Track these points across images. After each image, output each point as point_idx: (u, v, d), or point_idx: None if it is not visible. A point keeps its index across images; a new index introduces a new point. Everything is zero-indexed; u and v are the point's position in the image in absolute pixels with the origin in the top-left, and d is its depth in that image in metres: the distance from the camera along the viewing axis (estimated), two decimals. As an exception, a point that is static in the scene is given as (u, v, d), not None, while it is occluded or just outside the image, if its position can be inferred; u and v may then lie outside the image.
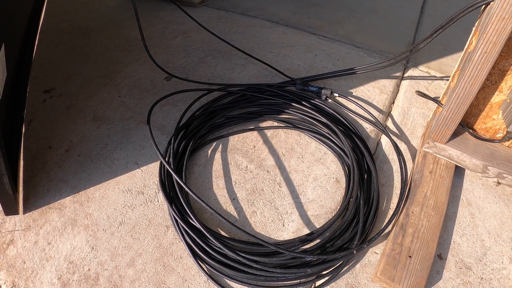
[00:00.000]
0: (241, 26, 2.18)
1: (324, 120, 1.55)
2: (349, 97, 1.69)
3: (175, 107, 1.69)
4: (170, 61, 1.97)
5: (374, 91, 1.76)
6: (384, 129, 1.56)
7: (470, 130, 1.55)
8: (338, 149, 1.51)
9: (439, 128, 1.44)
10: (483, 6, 1.25)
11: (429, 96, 1.61)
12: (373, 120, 1.61)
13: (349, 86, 1.78)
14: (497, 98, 1.46)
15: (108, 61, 1.96)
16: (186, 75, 1.87)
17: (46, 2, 1.50)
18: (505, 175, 1.48)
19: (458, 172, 1.52)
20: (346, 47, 2.01)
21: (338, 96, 1.70)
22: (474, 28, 1.34)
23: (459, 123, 1.48)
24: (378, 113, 1.68)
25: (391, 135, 1.61)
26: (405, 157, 1.51)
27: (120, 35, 2.17)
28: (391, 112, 1.72)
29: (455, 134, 1.54)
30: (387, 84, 1.80)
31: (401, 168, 1.44)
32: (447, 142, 1.49)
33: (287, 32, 2.09)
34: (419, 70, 1.94)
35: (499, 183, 1.54)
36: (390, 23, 2.28)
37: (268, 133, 1.60)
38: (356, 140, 1.52)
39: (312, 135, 1.58)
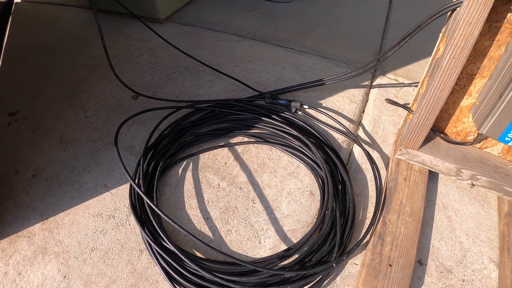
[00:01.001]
0: (208, 41, 2.14)
1: (294, 133, 1.52)
2: (319, 109, 1.67)
3: (143, 126, 1.63)
4: (136, 79, 1.90)
5: (344, 101, 1.74)
6: (356, 139, 1.54)
7: (442, 135, 1.55)
8: (311, 162, 1.48)
9: (411, 134, 1.42)
10: (449, 12, 1.25)
11: (399, 104, 1.60)
12: (344, 130, 1.59)
13: (319, 97, 1.76)
14: (467, 101, 1.46)
15: (74, 81, 1.89)
16: (154, 93, 1.81)
17: (10, 21, 1.43)
18: (478, 177, 1.47)
19: (432, 177, 1.51)
20: (313, 58, 2.00)
21: (308, 108, 1.67)
22: (441, 35, 1.34)
23: (431, 129, 1.47)
24: (348, 123, 1.66)
25: (363, 144, 1.59)
26: (378, 166, 1.49)
27: (86, 53, 2.10)
28: (362, 121, 1.70)
29: (427, 140, 1.53)
30: (356, 94, 1.79)
31: (375, 176, 1.42)
32: (419, 148, 1.48)
33: (254, 45, 2.07)
34: (387, 77, 1.95)
35: (473, 185, 1.54)
36: (357, 32, 2.29)
37: (239, 149, 1.56)
38: (328, 151, 1.49)
39: (283, 149, 1.54)
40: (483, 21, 1.12)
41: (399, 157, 1.50)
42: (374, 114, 1.71)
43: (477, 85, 1.40)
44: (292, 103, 1.66)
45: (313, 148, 1.45)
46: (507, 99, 1.27)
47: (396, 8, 2.67)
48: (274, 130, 1.57)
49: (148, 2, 2.28)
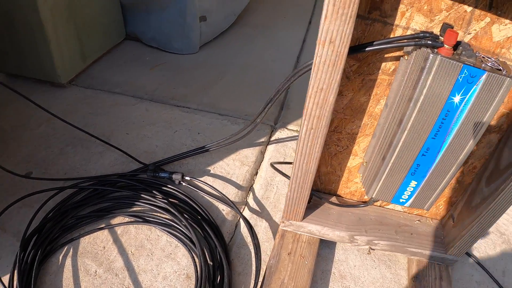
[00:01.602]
0: (106, 106, 1.86)
1: (172, 210, 1.25)
2: (199, 179, 1.39)
3: (31, 209, 1.35)
4: (32, 154, 1.61)
5: (235, 164, 1.47)
6: (238, 210, 1.27)
7: (334, 198, 1.29)
8: (188, 241, 1.21)
9: (289, 207, 1.16)
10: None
11: (281, 171, 1.33)
12: (228, 201, 1.31)
13: (208, 163, 1.48)
14: (354, 162, 1.21)
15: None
16: (45, 169, 1.53)
17: None
18: (376, 241, 1.22)
19: (329, 242, 1.25)
20: (209, 116, 1.74)
21: (191, 179, 1.39)
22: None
23: (316, 195, 1.22)
24: (237, 190, 1.38)
25: (251, 213, 1.33)
26: (266, 237, 1.22)
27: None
28: (253, 185, 1.43)
29: (314, 206, 1.27)
30: (250, 154, 1.53)
31: (255, 254, 1.15)
32: (303, 219, 1.21)
33: (150, 107, 1.79)
34: (288, 130, 1.70)
35: (371, 249, 1.27)
36: (262, 80, 2.04)
37: (119, 230, 1.29)
38: (207, 228, 1.22)
39: (162, 228, 1.27)
40: (336, 85, 0.87)
41: (284, 228, 1.23)
42: (267, 176, 1.45)
43: (361, 144, 1.16)
44: (173, 176, 1.38)
45: (188, 226, 1.20)
46: (392, 161, 1.02)
47: (309, 46, 2.43)
48: (154, 207, 1.31)
49: (49, 67, 1.99)
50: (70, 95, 2.01)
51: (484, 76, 0.84)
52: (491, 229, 1.48)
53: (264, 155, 1.55)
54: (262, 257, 1.22)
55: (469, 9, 0.90)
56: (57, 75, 2.04)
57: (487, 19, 0.90)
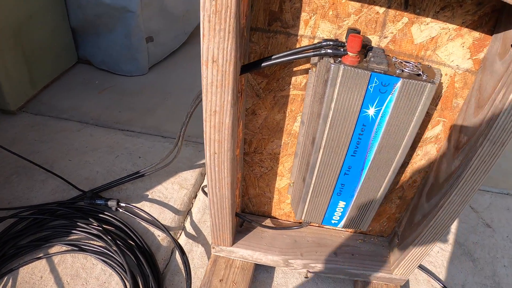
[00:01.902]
0: (52, 132, 1.72)
1: (105, 237, 1.16)
2: (135, 205, 1.25)
3: None
4: None
5: (173, 188, 1.33)
6: (172, 237, 1.13)
7: (268, 220, 1.15)
8: (121, 269, 1.11)
9: (215, 233, 1.02)
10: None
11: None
12: (162, 227, 1.17)
13: (146, 187, 1.34)
14: (282, 182, 1.07)
15: None
16: None
17: None
18: (313, 265, 1.08)
19: (268, 266, 1.12)
20: (151, 139, 1.60)
21: (126, 205, 1.25)
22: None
23: (247, 219, 1.08)
24: (174, 214, 1.24)
25: (187, 238, 1.20)
26: (201, 262, 1.10)
27: None
28: (192, 209, 1.28)
29: (247, 230, 1.13)
30: (189, 176, 1.38)
31: (186, 282, 1.02)
32: (233, 244, 1.07)
33: (94, 132, 1.65)
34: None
35: (309, 273, 1.12)
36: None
37: (56, 259, 1.18)
38: (140, 255, 1.09)
39: (96, 257, 1.17)
40: (229, 106, 0.74)
41: (216, 254, 1.08)
42: (206, 199, 1.31)
43: (286, 164, 1.02)
44: (109, 202, 1.26)
45: (120, 253, 1.10)
46: (312, 182, 0.88)
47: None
48: (89, 235, 1.21)
49: (-3, 94, 1.85)
50: (19, 122, 1.87)
51: (399, 84, 0.71)
52: (449, 241, 1.34)
53: (205, 177, 1.41)
54: (196, 284, 1.08)
55: (381, 10, 0.76)
56: (6, 102, 1.90)
57: (405, 20, 0.77)
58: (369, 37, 0.79)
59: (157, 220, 1.20)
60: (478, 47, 0.79)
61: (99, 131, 1.66)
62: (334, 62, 0.70)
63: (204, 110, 0.74)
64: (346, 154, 0.80)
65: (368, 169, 0.83)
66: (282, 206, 1.11)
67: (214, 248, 1.06)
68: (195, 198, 1.33)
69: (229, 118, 0.74)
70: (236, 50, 0.66)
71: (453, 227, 1.39)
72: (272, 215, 1.14)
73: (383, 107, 0.73)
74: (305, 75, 0.84)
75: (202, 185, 1.38)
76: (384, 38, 0.79)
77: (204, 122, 0.76)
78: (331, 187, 0.87)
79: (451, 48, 0.79)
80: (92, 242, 1.20)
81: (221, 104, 0.72)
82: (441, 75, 0.80)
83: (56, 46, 1.99)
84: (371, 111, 0.74)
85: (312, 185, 0.87)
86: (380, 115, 0.74)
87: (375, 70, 0.70)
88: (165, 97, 1.92)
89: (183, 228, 1.24)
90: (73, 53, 2.09)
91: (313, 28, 0.79)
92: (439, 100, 0.85)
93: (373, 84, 0.71)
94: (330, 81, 0.71)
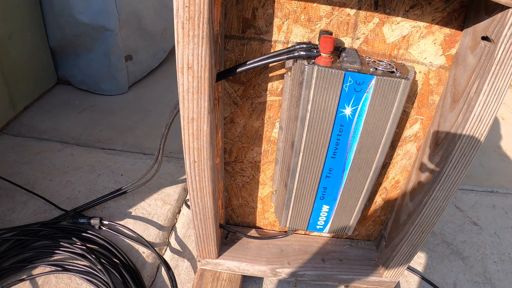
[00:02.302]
0: (32, 153, 1.68)
1: (89, 256, 1.12)
2: (118, 222, 1.21)
3: None
4: None
5: (157, 204, 1.30)
6: (157, 252, 1.10)
7: (253, 231, 1.13)
8: None
9: (199, 245, 0.99)
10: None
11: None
12: (146, 244, 1.14)
13: (129, 205, 1.31)
14: (264, 191, 1.05)
15: None
16: None
17: None
18: (301, 272, 1.05)
19: (256, 277, 1.09)
20: (133, 157, 1.57)
21: (109, 223, 1.21)
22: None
23: (231, 230, 1.06)
24: (158, 231, 1.21)
25: (173, 254, 1.16)
26: (187, 277, 1.08)
27: None
28: (176, 224, 1.25)
29: (232, 241, 1.10)
30: (172, 192, 1.36)
31: None
32: (218, 256, 1.04)
33: (75, 152, 1.62)
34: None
35: (297, 281, 1.10)
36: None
37: (40, 280, 1.13)
38: (125, 273, 1.07)
39: (81, 276, 1.12)
40: (206, 112, 0.73)
41: (202, 267, 1.05)
42: (189, 213, 1.28)
43: (267, 172, 1.00)
44: (92, 221, 1.22)
45: (105, 272, 1.06)
46: (294, 187, 0.87)
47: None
48: (73, 254, 1.17)
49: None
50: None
51: (373, 82, 0.71)
52: (437, 241, 1.33)
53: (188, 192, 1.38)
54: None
55: (352, 11, 0.77)
56: (-15, 125, 1.86)
57: (376, 20, 0.77)
58: (342, 39, 0.79)
59: (142, 237, 1.17)
60: (449, 43, 0.79)
61: (80, 150, 1.62)
62: (308, 63, 0.70)
63: (182, 118, 0.72)
64: (326, 156, 0.79)
65: (349, 170, 0.82)
66: (267, 215, 1.09)
67: (199, 261, 1.03)
68: (179, 213, 1.30)
69: (207, 125, 0.72)
70: (210, 56, 0.66)
71: (440, 227, 1.39)
72: (257, 225, 1.12)
73: (359, 106, 0.73)
74: (280, 81, 0.84)
75: (185, 199, 1.35)
76: (357, 39, 0.80)
77: (182, 130, 0.74)
78: (314, 191, 0.86)
79: (423, 45, 0.79)
80: (76, 261, 1.16)
81: (198, 111, 0.70)
82: (415, 72, 0.80)
83: (36, 67, 1.96)
84: (347, 111, 0.73)
85: (294, 190, 0.86)
86: (357, 114, 0.74)
87: (349, 69, 0.70)
88: (145, 114, 1.90)
89: (168, 244, 1.20)
90: (53, 74, 2.06)
91: (286, 33, 0.78)
92: (415, 98, 0.85)
93: (348, 83, 0.70)
94: (305, 82, 0.70)
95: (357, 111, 0.73)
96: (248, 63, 0.75)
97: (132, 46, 2.00)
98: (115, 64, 1.93)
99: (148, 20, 2.09)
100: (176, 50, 0.65)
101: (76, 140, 1.70)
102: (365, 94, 0.72)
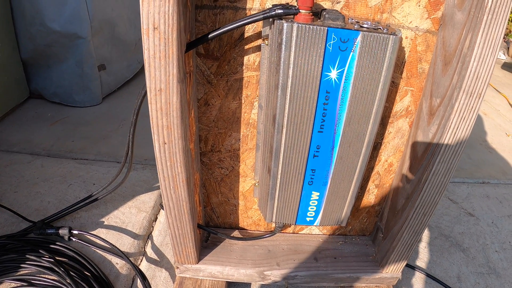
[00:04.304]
0: (1, 166, 1.54)
1: (57, 269, 0.99)
2: (90, 232, 1.08)
3: None
4: None
5: (131, 212, 1.17)
6: (131, 263, 0.97)
7: (236, 232, 1.01)
8: None
9: (176, 248, 0.86)
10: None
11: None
12: (120, 254, 1.00)
13: (101, 214, 1.18)
14: (246, 185, 0.94)
15: None
16: None
17: None
18: (293, 274, 0.93)
19: (242, 284, 0.97)
20: (107, 165, 1.44)
21: (80, 233, 1.08)
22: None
23: (212, 231, 0.95)
24: (133, 240, 1.08)
25: (149, 264, 1.03)
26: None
27: None
28: (152, 232, 1.12)
29: (213, 244, 0.98)
30: (148, 199, 1.23)
31: None
32: (199, 260, 0.91)
33: (46, 163, 1.48)
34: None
35: (288, 284, 0.98)
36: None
37: None
38: (96, 286, 0.96)
39: None
40: (175, 81, 0.63)
41: (181, 275, 0.92)
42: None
43: (248, 161, 0.90)
44: (60, 231, 1.10)
45: (74, 286, 0.94)
46: (279, 171, 0.76)
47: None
48: (40, 268, 1.03)
49: None
50: (-32, 160, 1.67)
51: (359, 38, 0.62)
52: (434, 235, 1.23)
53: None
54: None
55: (331, -27, 0.69)
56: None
57: (356, -18, 0.70)
58: (322, 3, 0.71)
59: (115, 247, 1.04)
60: (434, 5, 0.72)
61: (51, 161, 1.49)
62: (287, 22, 0.61)
63: (149, 90, 0.62)
64: (312, 131, 0.70)
65: (339, 146, 0.73)
66: (250, 213, 0.97)
67: (178, 268, 0.90)
68: (155, 220, 1.17)
69: (177, 96, 0.62)
70: (178, 14, 0.56)
71: (436, 220, 1.29)
72: (240, 226, 1.00)
73: (346, 68, 0.64)
74: (257, 53, 0.75)
75: (160, 203, 1.23)
76: (337, 3, 0.72)
77: (149, 105, 0.63)
78: (301, 174, 0.75)
79: (407, 8, 0.72)
80: (43, 276, 1.03)
81: (167, 80, 0.60)
82: (401, 32, 0.72)
83: (7, 80, 1.83)
84: (333, 74, 0.64)
85: (279, 175, 0.75)
86: (343, 77, 0.65)
87: (332, 26, 0.61)
88: (120, 124, 1.78)
89: (144, 253, 1.07)
90: (25, 87, 1.93)
91: (261, -1, 0.70)
92: (403, 67, 0.77)
93: (332, 42, 0.62)
94: (284, 43, 0.61)
95: (344, 74, 0.64)
96: (221, 27, 0.66)
97: (105, 55, 1.90)
98: (88, 74, 1.82)
99: (122, 29, 2.00)
100: (141, 10, 0.56)
101: (47, 151, 1.57)
102: (351, 53, 0.63)
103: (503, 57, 4.07)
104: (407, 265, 1.11)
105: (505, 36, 4.77)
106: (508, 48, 4.24)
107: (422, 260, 1.14)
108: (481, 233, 1.24)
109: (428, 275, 1.09)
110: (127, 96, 2.11)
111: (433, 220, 1.30)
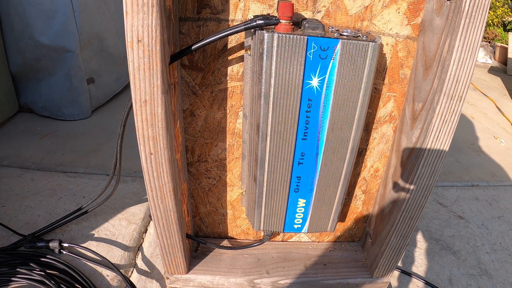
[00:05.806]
0: (-10, 182, 1.52)
1: (48, 282, 0.99)
2: (80, 245, 1.08)
3: None
4: None
5: (121, 224, 1.17)
6: (122, 274, 0.96)
7: (226, 241, 1.00)
8: None
9: (166, 258, 0.86)
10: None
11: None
12: (110, 266, 1.00)
13: (91, 226, 1.17)
14: (233, 194, 0.94)
15: None
16: None
17: None
18: (282, 281, 0.93)
19: None
20: (96, 178, 1.44)
21: (70, 246, 1.07)
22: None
23: (201, 241, 0.94)
24: (123, 252, 1.07)
25: (140, 275, 1.03)
26: None
27: None
28: (142, 244, 1.12)
29: (203, 254, 0.97)
30: (137, 211, 1.23)
31: None
32: (189, 270, 0.91)
33: (36, 177, 1.47)
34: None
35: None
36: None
37: None
38: None
39: None
40: (160, 92, 0.63)
41: (171, 286, 0.91)
42: (159, 229, 1.14)
43: (235, 170, 0.90)
44: (51, 244, 1.09)
45: None
46: (265, 180, 0.76)
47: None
48: (31, 281, 1.03)
49: None
50: (-44, 176, 1.65)
51: (339, 46, 0.63)
52: (424, 238, 1.24)
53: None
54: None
55: (311, -17, 0.70)
56: None
57: (336, -10, 0.71)
58: (302, 13, 0.73)
59: (105, 259, 1.03)
60: (414, 12, 0.73)
61: (41, 175, 1.48)
62: (268, 32, 0.62)
63: (134, 102, 0.62)
64: (296, 138, 0.70)
65: (323, 153, 0.73)
66: (238, 222, 0.97)
67: (168, 278, 0.90)
68: (145, 232, 1.17)
69: (161, 107, 0.62)
70: (161, 27, 0.57)
71: (426, 224, 1.30)
72: (229, 235, 1.00)
73: (327, 75, 0.65)
74: (241, 64, 0.76)
75: (149, 214, 1.22)
76: (318, 12, 0.73)
77: (135, 116, 0.64)
78: (287, 182, 0.76)
79: (387, 15, 0.73)
80: (36, 288, 1.02)
81: (151, 91, 0.61)
82: (381, 39, 0.73)
83: (-5, 95, 1.83)
84: (314, 82, 0.65)
85: (265, 183, 0.75)
86: (325, 85, 0.66)
87: (312, 35, 0.62)
88: (109, 136, 1.78)
89: (135, 265, 1.06)
90: (14, 101, 1.92)
91: (244, 10, 0.71)
92: (385, 73, 0.79)
93: (312, 50, 0.63)
94: (265, 53, 0.62)
95: (325, 82, 0.65)
96: (204, 39, 0.67)
97: (94, 68, 1.90)
98: (77, 87, 1.82)
99: (110, 42, 2.01)
100: (125, 23, 0.57)
101: (37, 165, 1.56)
102: (332, 61, 0.64)
103: (490, 62, 4.13)
104: (397, 270, 1.11)
105: (491, 41, 4.86)
106: (495, 52, 4.31)
107: (412, 263, 1.14)
108: (471, 235, 1.25)
109: (418, 278, 1.09)
110: (116, 109, 2.11)
111: (423, 224, 1.30)
